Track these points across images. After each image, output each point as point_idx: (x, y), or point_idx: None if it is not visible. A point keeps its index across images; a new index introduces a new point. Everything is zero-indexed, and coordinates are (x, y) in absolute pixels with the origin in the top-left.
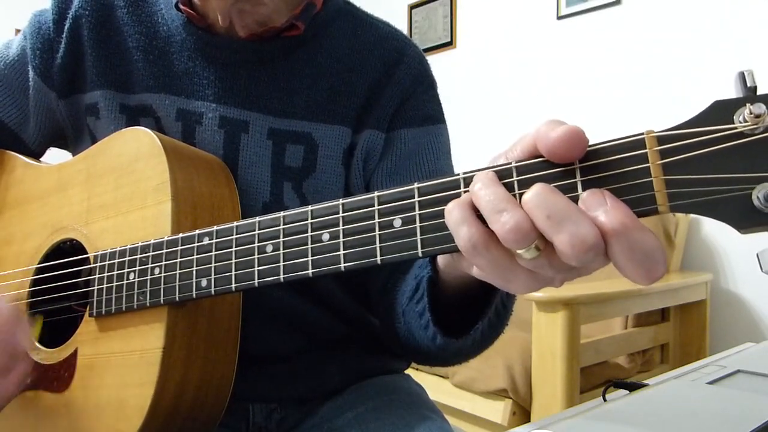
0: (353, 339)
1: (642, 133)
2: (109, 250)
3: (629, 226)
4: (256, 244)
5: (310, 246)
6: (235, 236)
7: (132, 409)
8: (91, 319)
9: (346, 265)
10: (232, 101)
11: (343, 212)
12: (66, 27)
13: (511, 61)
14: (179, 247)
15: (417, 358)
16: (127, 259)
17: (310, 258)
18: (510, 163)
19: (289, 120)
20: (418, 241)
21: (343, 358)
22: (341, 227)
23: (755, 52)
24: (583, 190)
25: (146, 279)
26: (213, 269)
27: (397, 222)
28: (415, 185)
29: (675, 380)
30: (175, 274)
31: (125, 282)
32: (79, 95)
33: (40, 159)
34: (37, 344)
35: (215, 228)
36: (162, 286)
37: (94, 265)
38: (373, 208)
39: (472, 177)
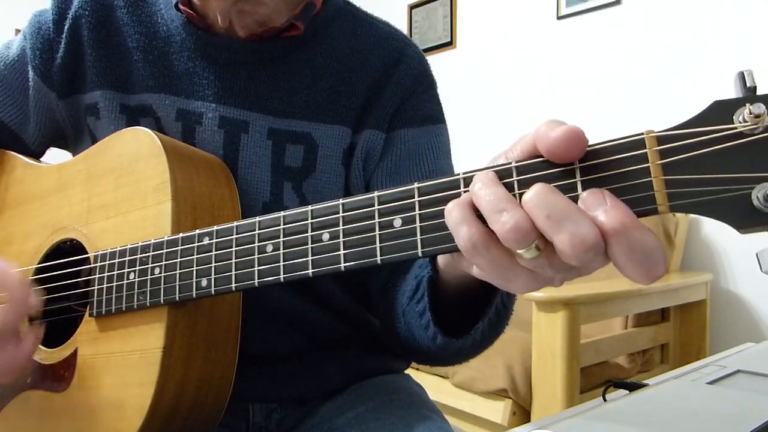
0: (353, 339)
1: (642, 133)
2: (109, 250)
3: (629, 226)
4: (256, 244)
5: (310, 246)
6: (235, 236)
7: (132, 409)
8: (91, 319)
9: (346, 265)
10: (231, 101)
11: (343, 212)
12: (66, 27)
13: (511, 61)
14: (179, 247)
15: (417, 358)
16: (127, 258)
17: (310, 258)
18: (510, 163)
19: (289, 120)
20: (418, 241)
21: (343, 358)
22: (341, 227)
23: (755, 52)
24: (583, 189)
25: (146, 279)
26: (213, 269)
27: (397, 222)
28: (415, 185)
29: (675, 380)
30: (175, 273)
31: (125, 282)
32: (79, 95)
33: (40, 159)
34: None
35: (215, 228)
36: (162, 285)
37: (94, 265)
38: (373, 208)
39: (472, 177)
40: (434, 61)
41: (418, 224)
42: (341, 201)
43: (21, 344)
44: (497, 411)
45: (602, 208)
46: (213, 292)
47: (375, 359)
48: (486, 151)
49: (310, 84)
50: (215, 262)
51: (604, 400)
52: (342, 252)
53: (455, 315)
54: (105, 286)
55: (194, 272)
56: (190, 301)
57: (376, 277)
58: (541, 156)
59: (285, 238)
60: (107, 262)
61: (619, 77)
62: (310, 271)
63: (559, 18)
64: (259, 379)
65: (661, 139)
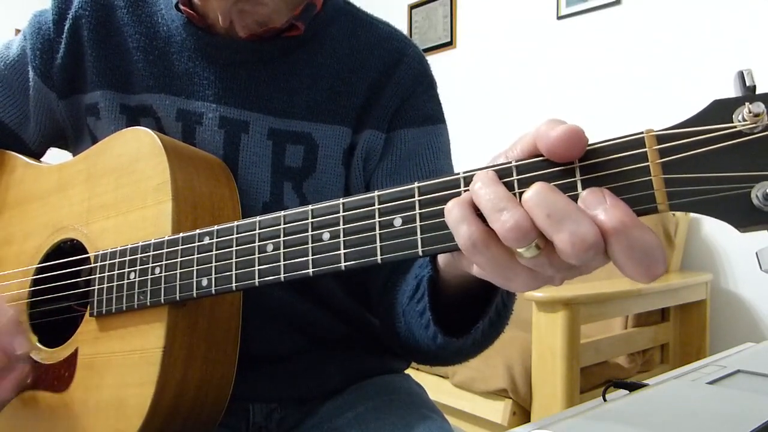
0: (353, 339)
1: (641, 132)
2: (110, 250)
3: (629, 225)
4: (256, 244)
5: (310, 245)
6: (235, 236)
7: (132, 409)
8: (91, 318)
9: (346, 264)
10: (232, 101)
11: (343, 212)
12: (66, 27)
13: (511, 61)
14: (180, 247)
15: (417, 358)
16: (127, 258)
17: (310, 257)
18: (510, 162)
19: (289, 120)
20: (419, 240)
21: (343, 358)
22: (341, 226)
23: (754, 52)
24: (583, 188)
25: (147, 279)
26: (213, 269)
27: (398, 221)
28: (416, 184)
29: (675, 380)
30: (176, 273)
31: (126, 282)
32: (79, 95)
33: (41, 159)
34: (38, 344)
35: (216, 227)
36: (162, 285)
37: (95, 264)
38: (373, 208)
39: (472, 176)
40: (434, 61)
41: (418, 223)
42: (341, 200)
43: (3, 380)
44: (497, 411)
45: (602, 207)
46: (213, 291)
47: (375, 359)
48: (486, 151)
49: (311, 84)
50: (216, 262)
51: (604, 400)
52: (342, 251)
53: (455, 314)
54: (105, 285)
55: (195, 272)
56: (190, 301)
57: (376, 276)
58: (541, 155)
59: (285, 238)
60: (107, 262)
61: (619, 77)
62: (311, 270)
63: (559, 18)
64: (259, 379)
65: (660, 138)
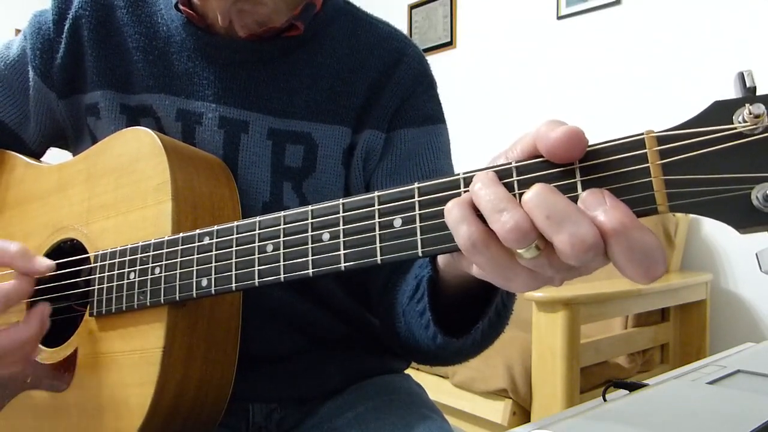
0: (353, 339)
1: (642, 133)
2: (110, 250)
3: (628, 226)
4: (256, 244)
5: (310, 246)
6: (235, 236)
7: (132, 409)
8: (91, 318)
9: (346, 264)
10: (231, 101)
11: (343, 212)
12: (66, 27)
13: (511, 61)
14: (179, 247)
15: (417, 358)
16: (127, 258)
17: (310, 258)
18: (510, 163)
19: (289, 120)
20: (418, 240)
21: (343, 358)
22: (341, 227)
23: (754, 53)
24: (583, 190)
25: (146, 279)
26: (213, 269)
27: (398, 222)
28: (416, 185)
29: (675, 380)
30: (176, 273)
31: (125, 282)
32: (79, 95)
33: (41, 159)
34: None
35: (216, 228)
36: (162, 285)
37: (95, 264)
38: (373, 208)
39: (472, 177)
40: (434, 61)
41: (418, 224)
42: (341, 201)
43: (27, 324)
44: (497, 411)
45: (602, 208)
46: (213, 291)
47: (375, 359)
48: (486, 151)
49: (310, 84)
50: (215, 262)
51: (604, 400)
52: (342, 252)
53: (455, 315)
54: (105, 285)
55: (194, 272)
56: (190, 301)
57: (376, 276)
58: (541, 156)
59: (285, 238)
60: (107, 262)
61: (619, 77)
62: (311, 271)
63: (559, 18)
64: (259, 379)
65: (661, 139)
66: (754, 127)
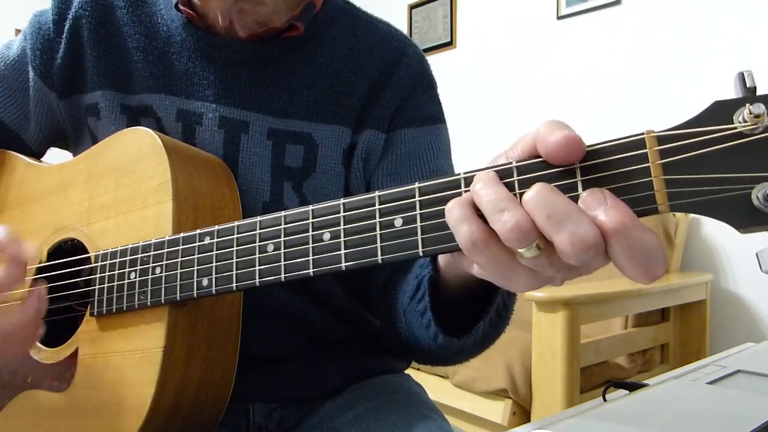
0: (353, 339)
1: (642, 133)
2: (110, 250)
3: (629, 225)
4: (257, 244)
5: (311, 245)
6: (236, 236)
7: (132, 409)
8: (91, 318)
9: (347, 264)
10: (232, 101)
11: (344, 212)
12: (66, 27)
13: (511, 61)
14: (180, 247)
15: (418, 358)
16: (128, 258)
17: (311, 257)
18: (511, 163)
19: (289, 120)
20: (419, 240)
21: (343, 358)
22: (342, 227)
23: (755, 53)
24: (584, 189)
25: (147, 278)
26: (214, 269)
27: (398, 221)
28: (416, 185)
29: (675, 380)
30: (176, 273)
31: (126, 281)
32: (80, 95)
33: (41, 159)
34: (38, 344)
35: (216, 228)
36: (163, 285)
37: (95, 264)
38: (373, 208)
39: (472, 177)
40: (434, 61)
41: (418, 224)
42: (342, 201)
43: (24, 306)
44: (497, 411)
45: (602, 208)
46: (214, 291)
47: (375, 359)
48: (486, 151)
49: (310, 84)
50: (216, 262)
51: (604, 400)
52: (343, 252)
53: (456, 315)
54: (106, 285)
55: (195, 272)
56: (190, 301)
57: (377, 276)
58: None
59: (286, 238)
60: (108, 262)
61: (619, 77)
62: (311, 270)
63: (559, 18)
64: (260, 379)
65: (661, 139)
66: (755, 126)
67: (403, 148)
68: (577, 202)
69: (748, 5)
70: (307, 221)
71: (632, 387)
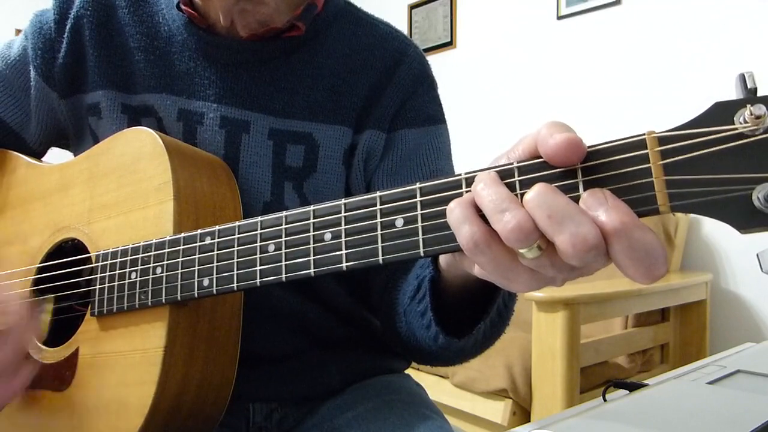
0: (354, 339)
1: (643, 134)
2: (111, 250)
3: (630, 225)
4: (258, 244)
5: (312, 245)
6: (237, 236)
7: (133, 408)
8: (92, 318)
9: (347, 264)
10: (233, 101)
11: (345, 212)
12: (67, 27)
13: (511, 61)
14: (181, 247)
15: (418, 358)
16: (129, 258)
17: (312, 257)
18: (512, 163)
19: (290, 120)
20: (420, 240)
21: (343, 358)
22: (343, 227)
23: (755, 54)
24: (585, 190)
25: (148, 278)
26: (215, 269)
27: (399, 222)
28: (417, 185)
29: (675, 380)
30: (177, 273)
31: (127, 281)
32: (81, 95)
33: (42, 159)
34: (39, 343)
35: (217, 227)
36: (164, 285)
37: (96, 264)
38: (374, 208)
39: (473, 177)
40: (434, 61)
41: (419, 224)
42: (343, 201)
43: (13, 380)
44: (497, 411)
45: (603, 208)
46: (215, 291)
47: (375, 359)
48: (486, 151)
49: (311, 84)
50: (217, 262)
51: (604, 400)
52: (344, 252)
53: (457, 315)
54: (107, 285)
55: (196, 272)
56: (191, 301)
57: (378, 276)
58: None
59: (287, 238)
60: (109, 262)
61: (619, 77)
62: (312, 270)
63: (559, 18)
64: (260, 379)
65: (662, 140)
66: (755, 127)
67: (404, 149)
68: (578, 203)
69: (748, 6)
70: (308, 221)
71: (632, 387)
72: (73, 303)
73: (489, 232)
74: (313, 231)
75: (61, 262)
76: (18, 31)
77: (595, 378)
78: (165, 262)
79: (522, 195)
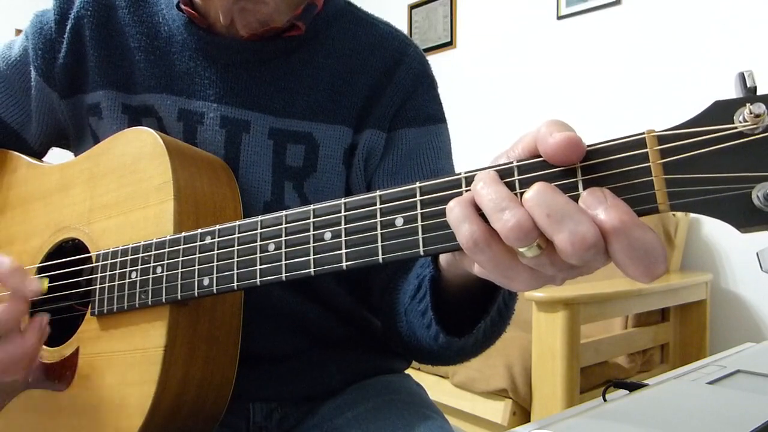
0: (354, 339)
1: (642, 133)
2: (111, 249)
3: (629, 224)
4: (258, 243)
5: (312, 245)
6: (237, 235)
7: (133, 408)
8: (92, 317)
9: (348, 264)
10: (233, 101)
11: (345, 211)
12: (68, 27)
13: (511, 61)
14: (181, 246)
15: (419, 357)
16: (129, 258)
17: (312, 257)
18: (511, 163)
19: (290, 120)
20: (420, 239)
21: (343, 358)
22: (343, 226)
23: (755, 53)
24: (584, 189)
25: (148, 278)
26: (215, 268)
27: (399, 221)
28: (417, 184)
29: (675, 380)
30: (178, 273)
31: (127, 281)
32: (81, 95)
33: (43, 159)
34: None
35: (217, 227)
36: (164, 285)
37: (96, 264)
38: (374, 207)
39: (473, 176)
40: (434, 61)
41: (419, 223)
42: (343, 200)
43: (25, 337)
44: (497, 411)
45: (602, 207)
46: (215, 291)
47: (375, 359)
48: (486, 151)
49: (311, 84)
50: (217, 261)
51: (604, 400)
52: (344, 251)
53: (457, 314)
54: (107, 285)
55: (196, 271)
56: (191, 300)
57: (378, 276)
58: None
59: (287, 237)
60: (109, 261)
61: (619, 77)
62: (312, 270)
63: (559, 18)
64: (260, 379)
65: (661, 139)
66: (755, 126)
67: (404, 148)
68: (577, 202)
69: (748, 5)
70: (308, 221)
71: (632, 387)
72: (73, 303)
73: (489, 231)
74: (313, 230)
75: (61, 261)
76: (18, 31)
77: (595, 378)
78: (165, 262)
79: (522, 194)
